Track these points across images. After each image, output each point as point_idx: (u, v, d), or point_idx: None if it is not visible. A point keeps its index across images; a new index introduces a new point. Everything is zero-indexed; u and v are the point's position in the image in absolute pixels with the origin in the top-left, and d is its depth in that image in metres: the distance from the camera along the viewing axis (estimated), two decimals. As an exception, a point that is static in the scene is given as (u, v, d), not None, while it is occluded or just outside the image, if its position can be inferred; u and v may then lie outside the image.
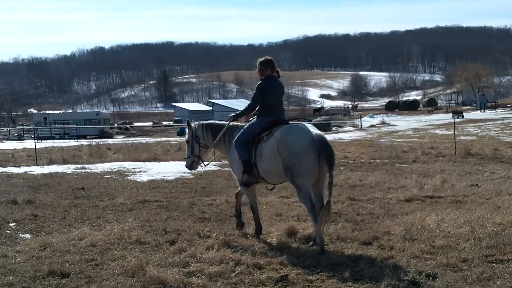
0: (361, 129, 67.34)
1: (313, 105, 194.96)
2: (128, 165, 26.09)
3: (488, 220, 10.70)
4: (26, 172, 24.22)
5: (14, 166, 27.54)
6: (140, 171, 23.22)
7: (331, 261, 8.44)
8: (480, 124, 57.75)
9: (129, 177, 21.25)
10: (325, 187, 9.71)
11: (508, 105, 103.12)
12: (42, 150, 36.20)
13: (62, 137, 72.20)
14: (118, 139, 61.86)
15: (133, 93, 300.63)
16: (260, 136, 10.03)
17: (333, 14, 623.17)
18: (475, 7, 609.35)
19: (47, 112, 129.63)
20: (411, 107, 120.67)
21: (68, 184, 19.32)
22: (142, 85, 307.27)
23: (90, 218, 12.68)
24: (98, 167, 25.53)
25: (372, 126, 70.20)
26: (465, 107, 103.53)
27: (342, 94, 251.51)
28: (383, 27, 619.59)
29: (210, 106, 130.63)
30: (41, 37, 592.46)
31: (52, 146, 43.67)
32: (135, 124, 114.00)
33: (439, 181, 17.09)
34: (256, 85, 10.37)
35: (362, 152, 30.01)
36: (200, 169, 11.85)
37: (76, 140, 59.10)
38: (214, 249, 8.98)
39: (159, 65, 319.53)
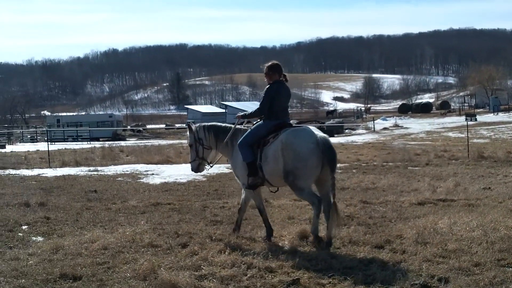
0: (374, 131, 67.26)
1: (326, 108, 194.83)
2: (140, 167, 26.16)
3: (501, 224, 10.64)
4: (39, 174, 24.32)
5: (27, 168, 27.66)
6: (153, 174, 23.27)
7: (343, 265, 8.41)
8: (493, 127, 57.51)
9: (141, 180, 21.30)
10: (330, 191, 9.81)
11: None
12: (55, 152, 36.36)
13: (75, 139, 72.57)
14: (131, 142, 62.02)
15: (146, 95, 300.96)
16: (266, 139, 10.13)
17: (346, 16, 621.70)
18: (488, 10, 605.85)
19: (60, 114, 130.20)
20: (424, 109, 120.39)
21: (80, 187, 19.37)
22: (155, 87, 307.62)
23: (103, 221, 12.70)
24: (111, 170, 25.60)
25: (385, 128, 70.16)
26: (478, 110, 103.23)
27: (355, 97, 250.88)
28: (396, 29, 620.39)
29: (223, 108, 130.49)
30: (54, 39, 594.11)
31: (65, 148, 43.83)
32: (148, 126, 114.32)
33: (451, 184, 17.04)
34: (265, 90, 10.48)
35: (374, 155, 29.98)
36: (205, 171, 11.89)
37: (89, 143, 59.23)
38: (226, 253, 8.97)
39: (172, 67, 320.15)
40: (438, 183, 17.74)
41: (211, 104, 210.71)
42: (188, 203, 14.95)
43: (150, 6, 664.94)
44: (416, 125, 69.84)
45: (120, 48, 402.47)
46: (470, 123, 50.45)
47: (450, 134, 52.61)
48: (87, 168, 26.47)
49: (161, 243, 10.02)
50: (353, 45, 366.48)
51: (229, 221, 12.04)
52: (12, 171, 25.91)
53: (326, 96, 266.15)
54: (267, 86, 10.48)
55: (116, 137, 73.77)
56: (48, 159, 30.34)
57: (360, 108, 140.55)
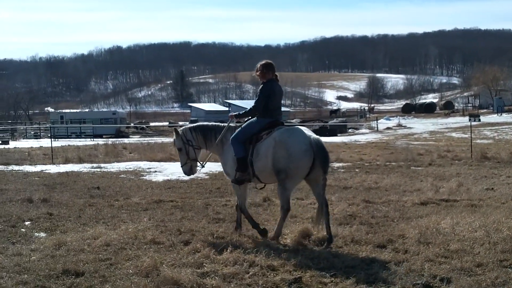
0: (377, 131, 67.22)
1: (329, 107, 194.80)
2: (143, 164, 26.18)
3: (504, 225, 10.62)
4: (42, 170, 24.37)
5: (30, 164, 27.72)
6: (156, 171, 23.28)
7: (345, 264, 8.42)
8: (497, 127, 57.38)
9: (144, 177, 21.31)
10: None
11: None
12: (58, 149, 36.42)
13: (79, 136, 72.58)
14: (134, 139, 62.03)
15: (149, 92, 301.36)
16: (259, 135, 10.27)
17: (350, 16, 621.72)
18: (493, 10, 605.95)
19: (63, 110, 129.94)
20: (427, 109, 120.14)
21: (83, 183, 19.40)
22: (159, 85, 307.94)
23: (105, 217, 12.72)
24: (114, 167, 25.63)
25: (388, 128, 70.07)
26: (482, 110, 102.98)
27: (359, 96, 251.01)
28: (401, 29, 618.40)
29: (226, 106, 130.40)
30: (59, 36, 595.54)
31: (69, 145, 43.88)
32: (151, 124, 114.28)
33: (454, 185, 17.03)
34: (260, 88, 10.56)
35: (378, 155, 29.95)
36: (198, 172, 11.96)
37: (92, 139, 59.29)
38: (228, 250, 8.97)
39: (176, 65, 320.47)
40: (441, 183, 17.72)
41: (214, 102, 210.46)
42: (190, 201, 14.96)
43: (155, 4, 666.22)
44: (420, 125, 69.76)
45: (124, 46, 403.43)
46: (473, 123, 50.59)
47: (454, 134, 52.54)
48: (90, 165, 26.52)
49: (163, 240, 10.04)
50: (357, 44, 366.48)
51: (231, 219, 12.03)
52: (15, 167, 25.97)
53: (329, 95, 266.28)
54: (262, 85, 10.56)
55: (120, 134, 73.78)
56: (51, 156, 30.37)
57: (364, 108, 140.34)
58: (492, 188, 16.66)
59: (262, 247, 9.21)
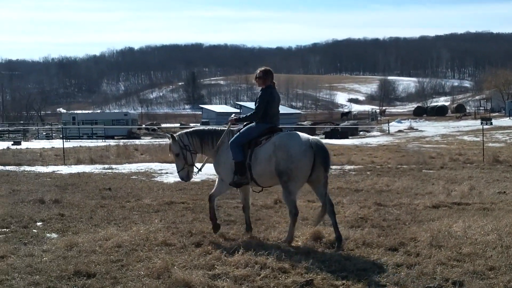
0: (389, 134, 67.18)
1: (340, 109, 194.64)
2: (155, 166, 26.22)
3: (516, 228, 10.59)
4: (54, 171, 24.45)
5: (42, 165, 27.82)
6: (167, 173, 23.30)
7: (356, 266, 8.40)
8: (509, 131, 57.17)
9: (155, 178, 21.34)
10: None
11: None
12: (70, 150, 36.49)
13: (90, 137, 72.70)
14: (145, 140, 62.12)
15: (161, 94, 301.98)
16: (258, 140, 10.43)
17: (362, 18, 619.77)
18: (506, 13, 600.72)
19: (75, 111, 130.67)
20: (439, 112, 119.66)
21: (95, 184, 19.44)
22: (170, 86, 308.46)
23: (117, 218, 12.75)
24: (125, 168, 25.70)
25: (399, 131, 69.93)
26: (494, 114, 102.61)
27: (370, 99, 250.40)
28: (412, 32, 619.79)
29: (237, 108, 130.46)
30: (71, 37, 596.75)
31: (80, 146, 43.97)
32: (163, 125, 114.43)
33: (466, 188, 16.97)
34: (260, 94, 10.73)
35: (389, 157, 29.93)
36: (194, 177, 12.00)
37: (104, 140, 59.39)
38: (240, 252, 8.96)
39: (188, 67, 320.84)
40: (452, 187, 17.66)
41: (225, 104, 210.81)
42: (202, 202, 14.94)
43: (166, 5, 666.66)
44: (431, 128, 69.50)
45: (136, 47, 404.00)
46: (485, 127, 50.38)
47: (465, 137, 52.41)
48: (101, 166, 26.60)
49: (175, 241, 10.06)
50: (369, 47, 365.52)
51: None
52: (27, 168, 26.08)
53: (341, 98, 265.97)
54: (261, 91, 10.74)
55: (131, 135, 73.89)
56: (63, 156, 30.48)
57: (375, 110, 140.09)
58: (504, 192, 16.59)
59: (273, 250, 9.20)
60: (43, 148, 42.73)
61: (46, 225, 12.06)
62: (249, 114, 10.82)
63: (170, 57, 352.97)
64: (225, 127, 11.11)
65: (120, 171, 24.41)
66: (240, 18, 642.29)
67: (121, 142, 48.72)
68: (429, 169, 23.87)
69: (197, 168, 11.45)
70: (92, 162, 28.98)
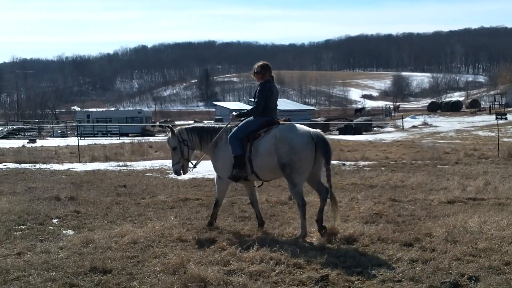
0: (403, 129, 66.99)
1: (354, 106, 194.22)
2: (169, 163, 26.08)
3: (532, 223, 10.55)
4: (69, 169, 24.57)
5: (57, 163, 27.96)
6: (181, 169, 23.29)
7: (372, 262, 8.39)
8: (524, 125, 56.88)
9: (170, 175, 21.34)
10: (324, 180, 10.36)
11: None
12: (84, 148, 36.68)
13: (105, 134, 72.92)
14: (159, 137, 62.15)
15: (174, 91, 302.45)
16: (257, 133, 10.51)
17: (375, 14, 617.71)
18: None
19: (90, 109, 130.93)
20: (453, 108, 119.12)
21: (110, 182, 19.52)
22: (184, 84, 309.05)
23: (132, 215, 12.80)
24: (140, 165, 25.78)
25: (413, 127, 69.76)
26: (508, 109, 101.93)
27: (384, 95, 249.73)
28: (426, 27, 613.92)
29: (251, 105, 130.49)
30: (85, 36, 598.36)
31: (95, 144, 44.17)
32: (177, 122, 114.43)
33: (481, 183, 16.89)
34: (259, 88, 10.83)
35: (403, 153, 29.84)
36: (189, 173, 12.04)
37: (118, 138, 59.56)
38: (254, 248, 8.97)
39: (201, 64, 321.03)
40: (467, 182, 17.58)
41: (239, 101, 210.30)
42: (216, 199, 14.98)
43: (179, 3, 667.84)
44: (446, 124, 69.32)
45: (149, 45, 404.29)
46: (500, 122, 50.04)
47: (480, 133, 52.21)
48: (116, 163, 26.69)
49: (190, 238, 10.08)
50: (382, 43, 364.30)
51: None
52: (43, 165, 26.24)
53: (354, 94, 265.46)
54: (260, 85, 10.83)
55: (145, 133, 74.09)
56: (78, 154, 30.59)
57: (389, 106, 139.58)
58: (520, 187, 16.50)
59: (288, 245, 9.21)
60: (58, 146, 42.96)
61: (62, 222, 12.13)
62: (249, 109, 10.94)
63: (183, 54, 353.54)
64: (231, 124, 11.16)
65: (134, 168, 24.50)
66: (253, 16, 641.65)
67: (135, 139, 48.94)
68: (444, 164, 23.78)
69: (192, 164, 11.62)
70: (106, 159, 29.09)
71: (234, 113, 11.22)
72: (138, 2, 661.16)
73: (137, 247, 9.53)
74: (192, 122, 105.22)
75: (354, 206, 13.47)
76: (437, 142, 40.63)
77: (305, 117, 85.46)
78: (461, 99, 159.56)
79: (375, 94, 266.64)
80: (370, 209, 12.84)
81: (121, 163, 26.63)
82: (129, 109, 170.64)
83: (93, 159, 29.13)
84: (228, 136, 10.71)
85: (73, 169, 24.26)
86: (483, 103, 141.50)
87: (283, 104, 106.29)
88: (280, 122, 10.77)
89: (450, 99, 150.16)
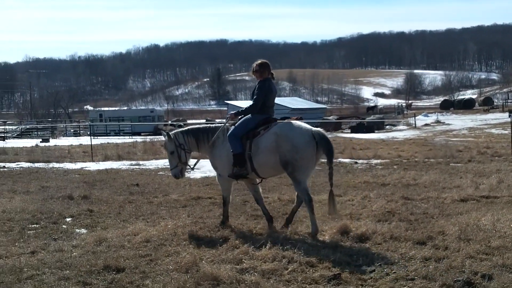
0: (415, 128, 66.78)
1: (366, 104, 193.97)
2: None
3: (545, 221, 10.50)
4: (82, 168, 24.64)
5: (70, 162, 28.03)
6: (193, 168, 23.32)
7: (384, 260, 8.39)
8: (538, 123, 56.54)
9: (182, 174, 21.37)
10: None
11: None
12: (97, 147, 36.75)
13: (117, 133, 73.10)
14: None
15: (187, 90, 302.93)
16: (256, 131, 10.55)
17: (387, 12, 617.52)
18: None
19: (102, 109, 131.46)
20: (466, 106, 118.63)
21: (123, 180, 19.56)
22: (196, 83, 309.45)
23: (145, 214, 12.84)
24: (152, 164, 25.83)
25: (426, 125, 69.49)
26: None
27: (396, 93, 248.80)
28: (439, 25, 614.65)
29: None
30: (97, 35, 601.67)
31: (108, 143, 44.28)
32: (189, 121, 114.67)
33: (495, 181, 16.80)
34: (258, 86, 10.94)
35: (416, 151, 29.75)
36: (187, 175, 12.12)
37: (131, 137, 59.64)
38: (267, 247, 8.98)
39: (213, 63, 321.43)
40: (481, 180, 17.50)
41: (251, 99, 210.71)
42: (229, 197, 15.00)
43: (191, 2, 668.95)
44: (458, 122, 69.02)
45: (161, 44, 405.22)
46: (513, 119, 49.72)
47: (493, 130, 51.99)
48: (129, 162, 26.75)
49: (202, 236, 10.10)
50: (395, 40, 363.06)
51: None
52: (56, 165, 26.32)
53: (366, 92, 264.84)
54: (259, 83, 10.94)
55: (158, 131, 74.02)
56: (91, 153, 30.68)
57: (401, 104, 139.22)
58: (534, 185, 16.42)
59: (300, 244, 9.21)
60: (71, 145, 43.10)
61: (75, 221, 12.18)
62: (248, 106, 10.96)
63: (195, 53, 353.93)
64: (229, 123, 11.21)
65: (147, 167, 24.55)
66: (265, 13, 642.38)
67: (148, 138, 48.98)
68: (457, 162, 23.70)
69: (190, 166, 11.73)
70: (119, 158, 29.17)
71: (232, 112, 11.27)
72: (150, 1, 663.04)
73: (150, 245, 9.56)
74: (205, 121, 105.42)
75: (366, 204, 13.45)
76: (450, 140, 40.50)
77: (317, 115, 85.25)
78: (474, 96, 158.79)
79: (387, 92, 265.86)
80: (383, 207, 12.81)
81: (133, 162, 26.69)
82: (142, 108, 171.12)
83: (106, 158, 29.21)
84: (227, 135, 10.74)
85: (86, 168, 24.33)
86: (496, 100, 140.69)
87: (295, 102, 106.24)
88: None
89: (463, 97, 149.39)
